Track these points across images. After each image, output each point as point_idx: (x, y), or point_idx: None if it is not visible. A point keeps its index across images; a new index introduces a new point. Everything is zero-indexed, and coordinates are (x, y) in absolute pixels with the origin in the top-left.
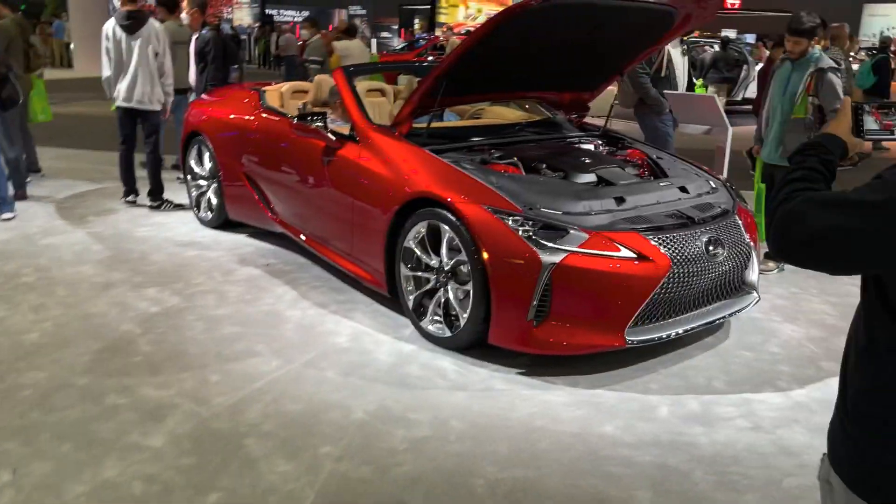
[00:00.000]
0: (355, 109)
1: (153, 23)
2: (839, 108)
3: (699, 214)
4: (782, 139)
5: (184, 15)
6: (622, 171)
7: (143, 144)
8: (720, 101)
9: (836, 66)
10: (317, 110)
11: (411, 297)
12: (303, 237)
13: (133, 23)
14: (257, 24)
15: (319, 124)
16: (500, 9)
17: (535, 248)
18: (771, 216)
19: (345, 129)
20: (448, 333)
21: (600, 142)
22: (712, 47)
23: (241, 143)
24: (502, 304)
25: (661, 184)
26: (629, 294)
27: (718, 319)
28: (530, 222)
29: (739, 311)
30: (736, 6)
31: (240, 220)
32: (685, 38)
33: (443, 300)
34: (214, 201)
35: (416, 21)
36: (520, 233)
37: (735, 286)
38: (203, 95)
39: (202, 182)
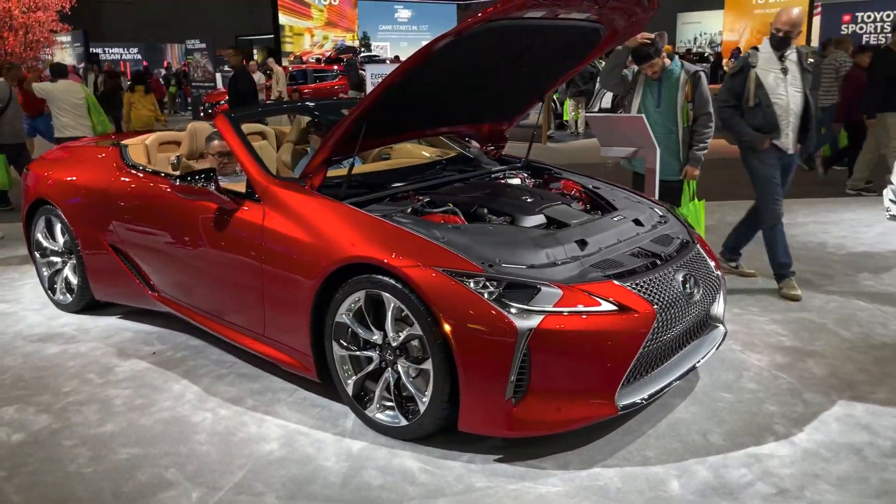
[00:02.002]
0: (250, 161)
1: None
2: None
3: (663, 250)
4: (678, 152)
5: None
6: (570, 209)
7: None
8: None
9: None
10: (194, 164)
11: (350, 382)
12: (194, 316)
13: None
14: (82, 65)
15: (206, 184)
16: (346, 35)
17: (506, 314)
18: None
19: (239, 186)
20: (404, 422)
21: (525, 174)
22: None
23: (102, 210)
24: (473, 384)
25: (615, 218)
26: (617, 353)
27: (698, 363)
28: (494, 282)
29: (715, 349)
30: None
31: (109, 301)
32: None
33: (392, 381)
34: (74, 281)
35: (255, 51)
36: (485, 296)
37: (703, 322)
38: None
39: (55, 259)
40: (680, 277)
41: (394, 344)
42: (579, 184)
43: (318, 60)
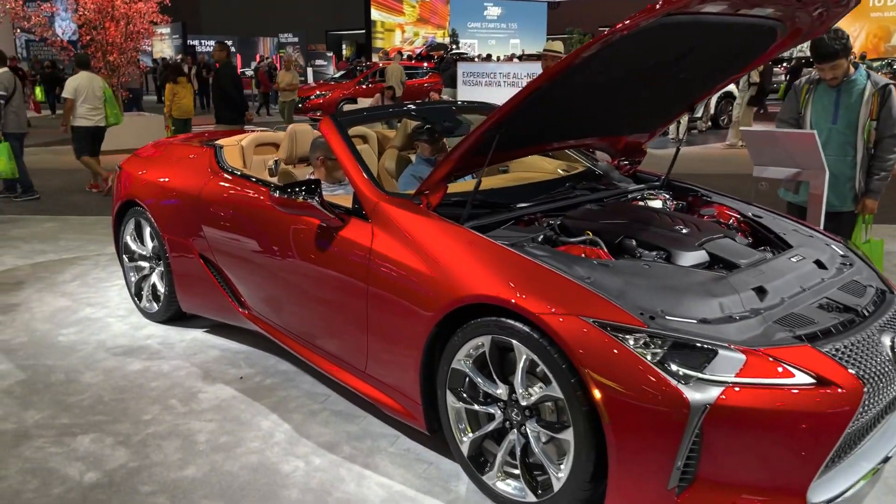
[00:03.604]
0: (358, 174)
1: None
2: None
3: (858, 302)
4: (853, 179)
5: None
6: (736, 244)
7: None
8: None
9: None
10: (292, 170)
11: (466, 441)
12: (288, 341)
13: None
14: (179, 56)
15: (309, 198)
16: (437, 32)
17: (675, 383)
18: None
19: (345, 200)
20: (531, 497)
21: (667, 195)
22: None
23: (193, 216)
24: (627, 466)
25: (793, 258)
26: (814, 438)
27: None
28: (658, 341)
29: None
30: None
31: (196, 313)
32: None
33: (518, 446)
34: (161, 289)
35: (344, 46)
36: (648, 358)
37: None
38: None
39: (143, 264)
40: (887, 341)
41: (523, 402)
42: (736, 210)
43: (409, 57)
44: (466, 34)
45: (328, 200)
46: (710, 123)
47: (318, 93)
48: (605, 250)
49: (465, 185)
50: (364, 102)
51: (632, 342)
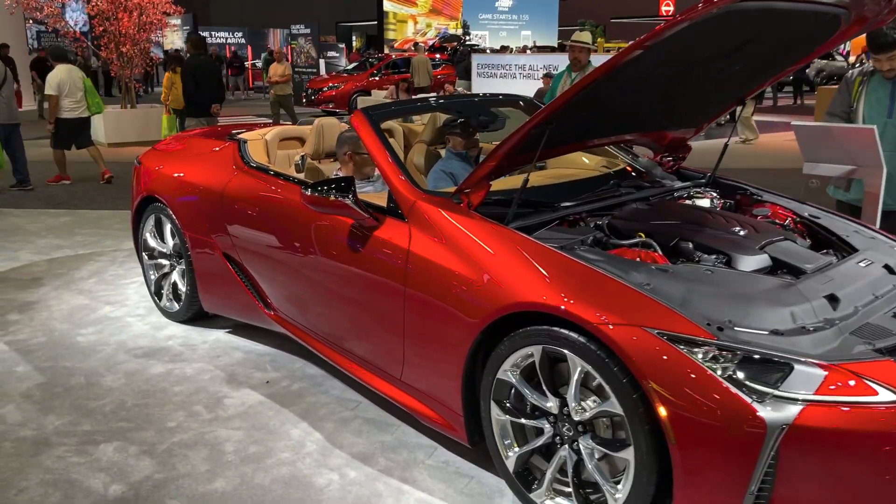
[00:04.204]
0: (394, 171)
1: None
2: None
3: None
4: None
5: None
6: (798, 247)
7: None
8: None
9: None
10: (318, 165)
11: (512, 455)
12: (317, 345)
13: None
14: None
15: (342, 197)
16: (449, 24)
17: (748, 400)
18: None
19: (374, 197)
20: None
21: (714, 194)
22: None
23: (217, 213)
24: (694, 490)
25: (861, 263)
26: None
27: None
28: (727, 353)
29: None
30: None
31: (219, 314)
32: None
33: (570, 463)
34: (182, 288)
35: (354, 37)
36: (718, 373)
37: None
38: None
39: (164, 262)
40: None
41: (576, 417)
42: (790, 210)
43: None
44: (478, 25)
45: (363, 199)
46: (728, 116)
47: (330, 84)
48: (661, 253)
49: (501, 182)
50: (378, 94)
51: (700, 355)
